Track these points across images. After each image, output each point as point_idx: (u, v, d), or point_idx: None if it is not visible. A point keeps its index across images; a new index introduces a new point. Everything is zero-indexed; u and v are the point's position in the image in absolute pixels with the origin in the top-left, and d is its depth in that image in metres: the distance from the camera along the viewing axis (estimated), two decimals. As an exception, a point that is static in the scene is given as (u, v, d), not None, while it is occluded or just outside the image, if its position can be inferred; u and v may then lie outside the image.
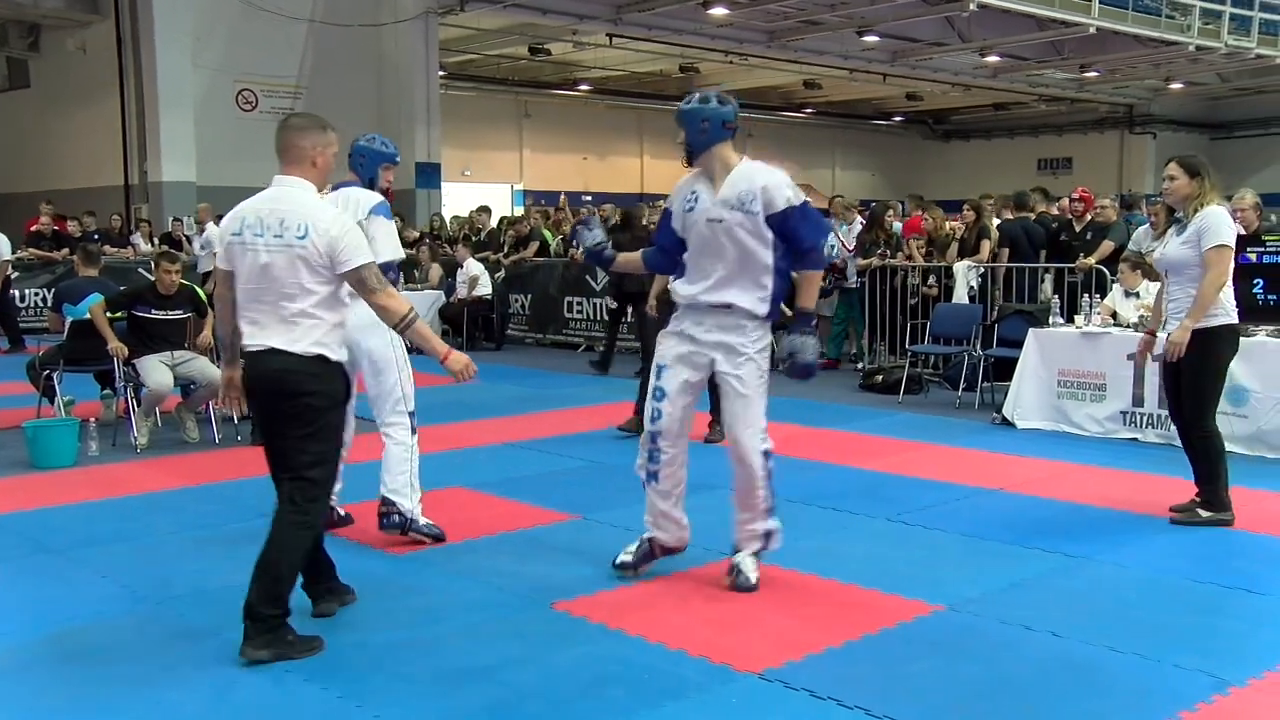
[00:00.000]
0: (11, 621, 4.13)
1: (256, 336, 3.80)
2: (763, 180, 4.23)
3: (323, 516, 4.02)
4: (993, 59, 23.22)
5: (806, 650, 3.76)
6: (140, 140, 17.44)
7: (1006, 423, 7.96)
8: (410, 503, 5.01)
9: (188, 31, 17.07)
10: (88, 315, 7.81)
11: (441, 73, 20.75)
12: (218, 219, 13.04)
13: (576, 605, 4.21)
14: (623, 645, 3.84)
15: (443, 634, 3.96)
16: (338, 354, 3.85)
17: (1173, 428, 5.87)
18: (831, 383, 10.43)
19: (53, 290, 9.46)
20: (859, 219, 11.60)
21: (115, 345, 7.31)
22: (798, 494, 5.92)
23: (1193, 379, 5.35)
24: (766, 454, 4.37)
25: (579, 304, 13.49)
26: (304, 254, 3.73)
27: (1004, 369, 8.58)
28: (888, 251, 10.81)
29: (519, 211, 22.65)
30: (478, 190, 23.74)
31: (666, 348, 4.45)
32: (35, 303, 14.35)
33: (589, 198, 24.86)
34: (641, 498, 4.56)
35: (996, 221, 10.62)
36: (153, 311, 7.42)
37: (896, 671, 3.61)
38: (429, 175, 19.37)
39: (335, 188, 5.05)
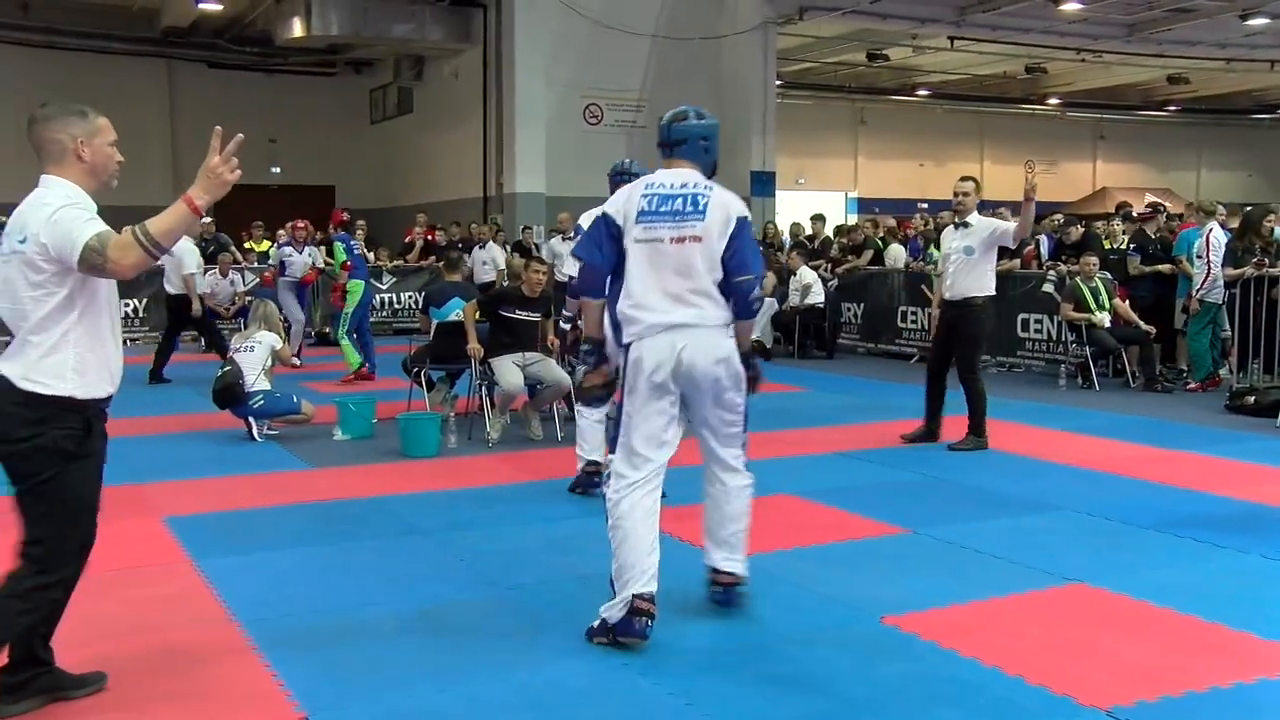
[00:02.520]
0: (386, 593, 4.56)
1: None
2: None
3: None
4: None
5: (1162, 691, 3.46)
6: (499, 154, 18.86)
7: None
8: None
9: (545, 52, 18.27)
10: (451, 318, 8.52)
11: (778, 82, 20.93)
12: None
13: (907, 621, 4.11)
14: (955, 665, 3.71)
15: (772, 639, 3.98)
16: None
17: None
18: (1192, 403, 9.58)
19: (423, 294, 10.42)
20: (1215, 225, 10.54)
21: (474, 346, 7.92)
22: (1150, 520, 5.49)
23: None
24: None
25: (913, 313, 13.17)
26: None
27: None
28: (1265, 260, 9.76)
29: (853, 220, 22.45)
30: (812, 198, 23.75)
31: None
32: (409, 305, 15.86)
33: (925, 205, 24.21)
34: (978, 515, 4.35)
35: None
36: (516, 312, 7.91)
37: (1270, 725, 3.26)
38: (763, 183, 19.60)
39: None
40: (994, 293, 7.56)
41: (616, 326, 4.09)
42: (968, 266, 7.38)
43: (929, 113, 27.84)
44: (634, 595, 3.87)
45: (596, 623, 3.95)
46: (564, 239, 14.34)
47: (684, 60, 19.08)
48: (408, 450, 7.40)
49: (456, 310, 8.63)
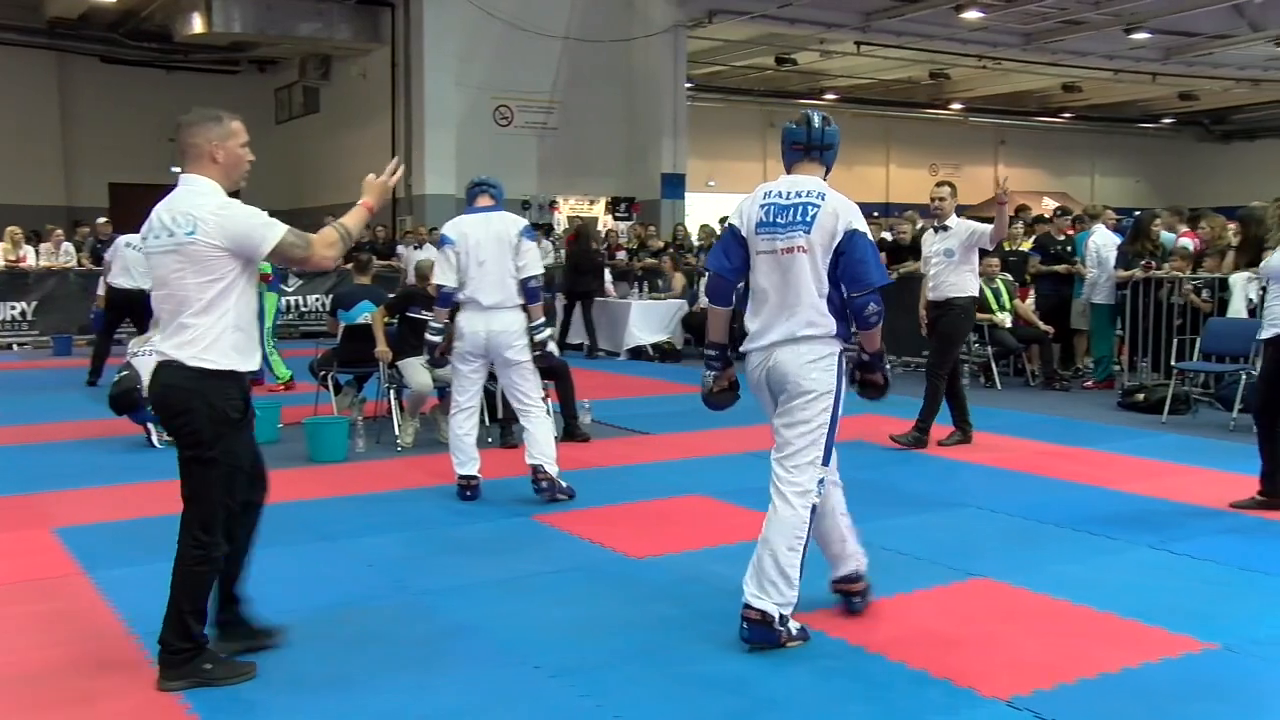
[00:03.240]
0: (291, 601, 4.46)
1: None
2: None
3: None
4: (1289, 49, 21.25)
5: (1058, 679, 3.57)
6: (407, 156, 18.65)
7: (1290, 448, 7.28)
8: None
9: (454, 53, 18.14)
10: (360, 320, 8.40)
11: (688, 84, 21.08)
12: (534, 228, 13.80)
13: (816, 618, 4.16)
14: (864, 662, 3.77)
15: (682, 639, 4.00)
16: None
17: None
18: (1087, 401, 9.88)
19: (330, 296, 10.26)
20: (1102, 227, 10.92)
21: (383, 349, 7.82)
22: (1049, 515, 5.65)
23: None
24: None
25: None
26: None
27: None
28: (1154, 263, 10.13)
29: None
30: (723, 200, 23.94)
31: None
32: (316, 308, 15.61)
33: (833, 207, 24.57)
34: (884, 513, 4.44)
35: None
36: (424, 313, 7.83)
37: (1160, 710, 3.38)
38: (674, 186, 19.74)
39: (470, 210, 6.29)
40: (976, 294, 7.75)
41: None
42: (949, 268, 7.56)
43: (836, 116, 27.30)
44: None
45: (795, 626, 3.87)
46: (413, 248, 14.29)
47: (595, 62, 19.11)
48: (315, 455, 7.27)
49: (365, 313, 8.50)
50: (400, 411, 7.96)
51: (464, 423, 6.20)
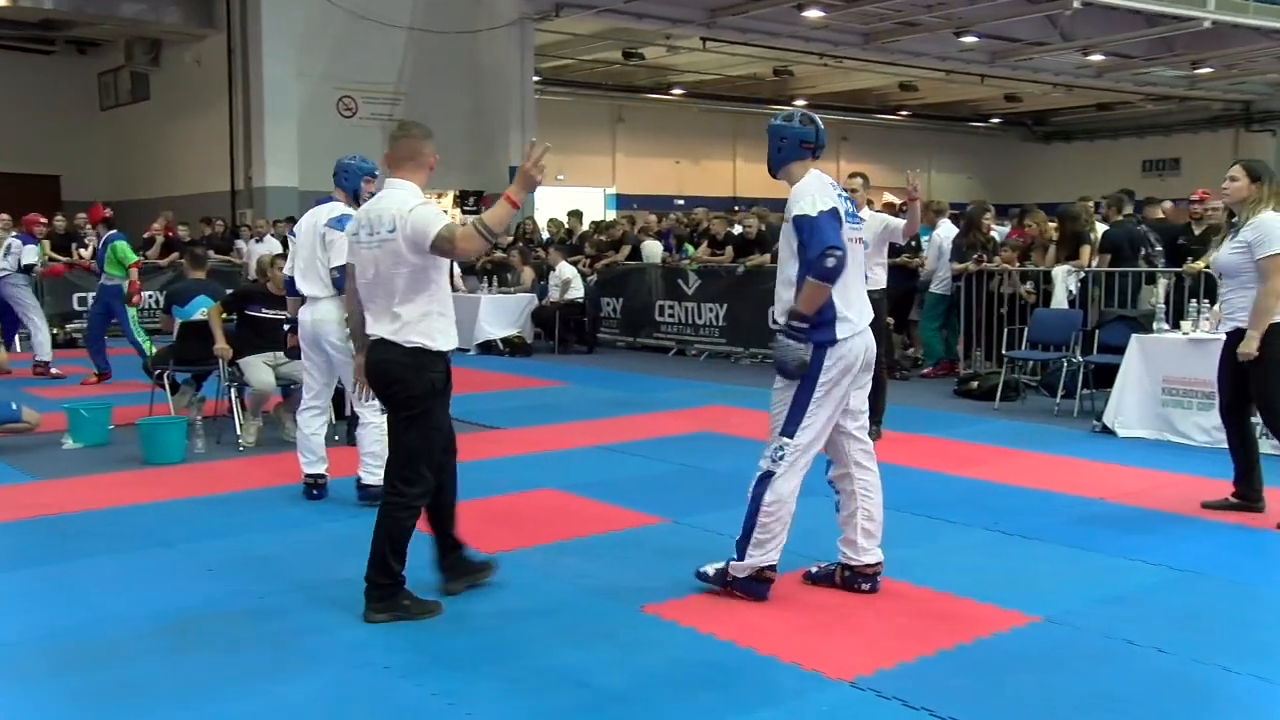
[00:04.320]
0: (127, 610, 4.28)
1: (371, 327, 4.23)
2: (797, 188, 4.24)
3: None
4: (1097, 58, 22.63)
5: (899, 659, 3.71)
6: (247, 148, 18.02)
7: (1107, 431, 7.75)
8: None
9: (294, 42, 17.60)
10: (197, 317, 8.09)
11: (536, 78, 20.99)
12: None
13: (667, 609, 4.22)
14: (713, 650, 3.84)
15: (534, 634, 4.00)
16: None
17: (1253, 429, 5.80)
18: (924, 388, 10.28)
19: (164, 293, 9.84)
20: (946, 221, 11.39)
21: (221, 346, 7.55)
22: (889, 501, 5.83)
23: (1257, 381, 5.41)
24: (761, 473, 4.25)
25: (670, 307, 13.52)
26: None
27: (1105, 376, 8.36)
28: (984, 256, 10.61)
29: (611, 216, 22.78)
30: (571, 194, 23.95)
31: None
32: (150, 305, 14.93)
33: (681, 202, 24.91)
34: (733, 502, 4.52)
35: (1103, 227, 10.35)
36: (263, 310, 7.60)
37: (992, 682, 3.54)
38: (523, 179, 19.57)
39: (317, 203, 6.18)
40: (885, 285, 7.55)
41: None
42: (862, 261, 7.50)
43: (685, 111, 28.61)
44: (764, 566, 4.22)
45: (713, 571, 4.29)
46: (254, 241, 13.89)
47: (441, 54, 18.83)
48: (149, 457, 6.97)
49: (202, 309, 8.21)
50: (242, 410, 7.70)
51: (311, 421, 6.05)
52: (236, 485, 6.40)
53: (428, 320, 4.11)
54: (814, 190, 4.18)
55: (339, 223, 5.81)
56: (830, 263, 4.04)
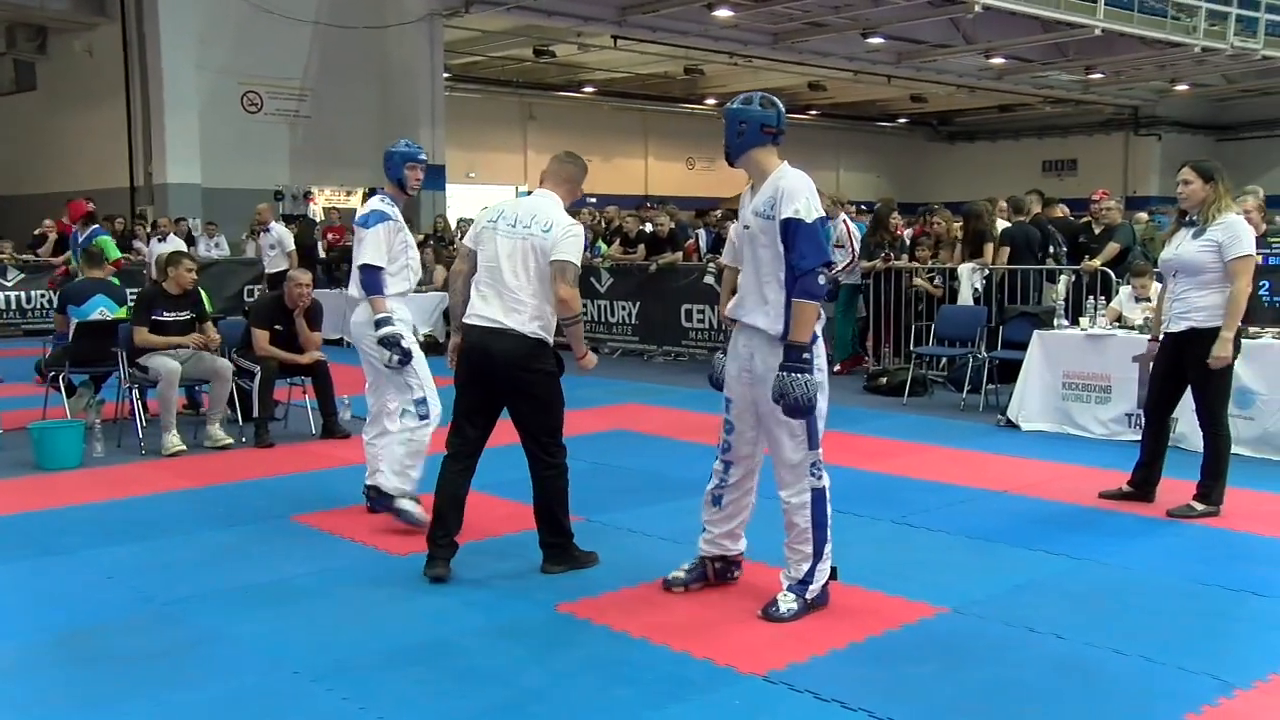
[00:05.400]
0: (19, 622, 4.14)
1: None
2: (784, 185, 3.98)
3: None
4: (998, 61, 23.25)
5: (810, 652, 3.76)
6: (146, 142, 17.50)
7: (1011, 425, 7.96)
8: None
9: (193, 34, 17.15)
10: (94, 316, 7.85)
11: (446, 75, 20.78)
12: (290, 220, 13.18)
13: (581, 607, 4.22)
14: (627, 647, 3.85)
15: (448, 635, 3.97)
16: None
17: (1178, 430, 5.91)
18: (834, 384, 10.40)
19: (58, 292, 9.51)
20: (842, 217, 11.54)
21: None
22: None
23: (1208, 380, 5.43)
24: (814, 492, 4.09)
25: (583, 305, 13.48)
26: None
27: (1009, 371, 8.58)
28: (892, 254, 10.80)
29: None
30: (483, 192, 23.76)
31: (727, 370, 4.29)
32: (41, 304, 14.41)
33: (593, 200, 24.89)
34: (648, 500, 4.56)
35: (1003, 224, 10.61)
36: (164, 314, 7.39)
37: (901, 673, 3.61)
38: (433, 177, 19.35)
39: (372, 193, 5.76)
40: None
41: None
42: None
43: (596, 109, 28.60)
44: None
45: (794, 609, 4.06)
46: (157, 240, 13.50)
47: (348, 49, 18.54)
48: (43, 463, 6.74)
49: (100, 308, 7.97)
50: (144, 412, 7.47)
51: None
52: (138, 490, 6.22)
53: (543, 315, 4.44)
54: (808, 192, 3.94)
55: (365, 220, 5.40)
56: (822, 280, 3.88)
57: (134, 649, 3.84)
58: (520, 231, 4.42)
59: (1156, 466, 5.76)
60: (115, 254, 10.25)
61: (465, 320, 4.51)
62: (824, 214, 4.00)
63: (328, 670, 3.64)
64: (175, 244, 13.59)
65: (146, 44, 17.15)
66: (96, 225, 10.73)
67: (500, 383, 4.46)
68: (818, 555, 4.12)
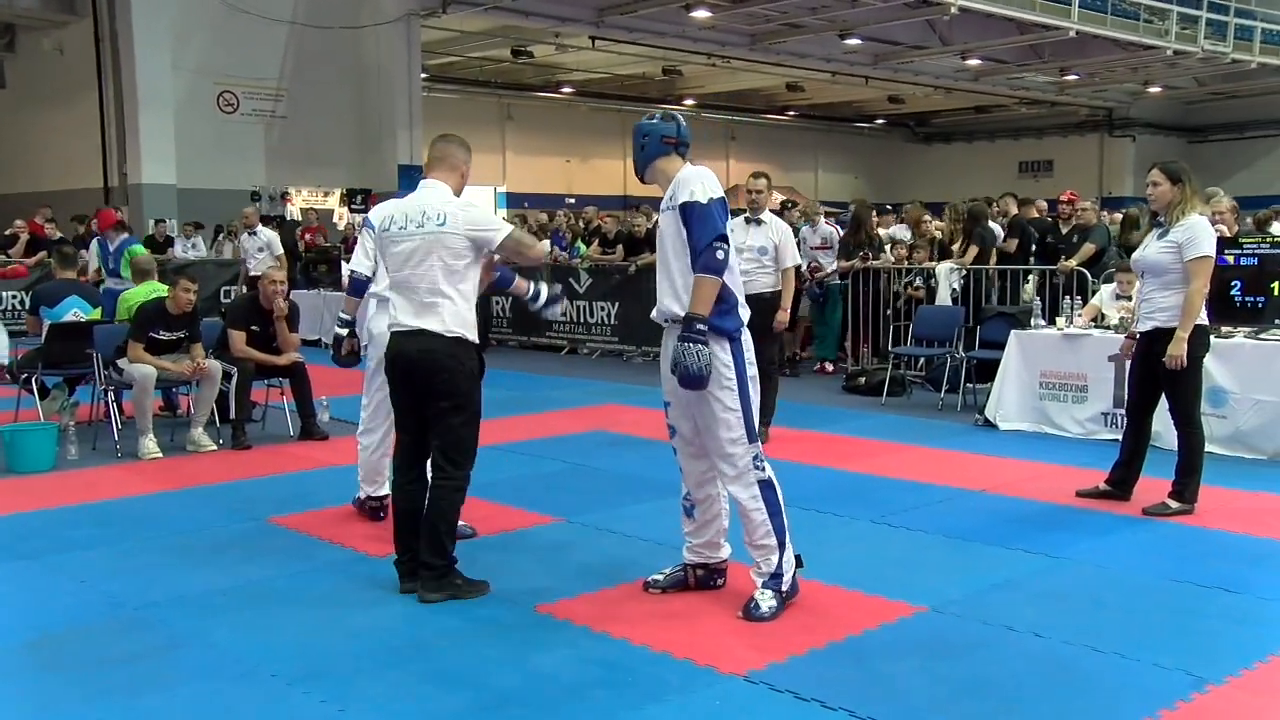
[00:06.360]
0: (-9, 627, 4.10)
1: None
2: (680, 176, 4.12)
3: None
4: (974, 62, 23.37)
5: (790, 652, 3.76)
6: (120, 142, 17.34)
7: (989, 424, 7.99)
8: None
9: (167, 32, 17.01)
10: (68, 318, 7.77)
11: (424, 75, 20.71)
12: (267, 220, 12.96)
13: (560, 608, 4.21)
14: (606, 648, 3.84)
15: (426, 637, 3.95)
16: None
17: (1151, 427, 5.94)
18: (814, 384, 10.46)
19: (30, 293, 9.42)
20: (823, 220, 11.60)
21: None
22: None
23: (1176, 379, 5.46)
24: (761, 484, 4.11)
25: (564, 309, 13.45)
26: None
27: (986, 370, 8.62)
28: (870, 254, 10.84)
29: (502, 214, 22.62)
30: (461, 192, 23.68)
31: (661, 370, 4.30)
32: (13, 306, 14.26)
33: (572, 200, 24.86)
34: (627, 500, 4.55)
35: (1004, 218, 10.75)
36: (161, 333, 7.27)
37: (880, 672, 3.62)
38: (410, 178, 19.24)
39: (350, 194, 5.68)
40: (778, 289, 7.40)
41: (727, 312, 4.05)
42: (761, 266, 7.24)
43: (574, 110, 28.57)
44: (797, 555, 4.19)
45: (771, 606, 4.05)
46: (250, 234, 13.34)
47: (325, 49, 18.45)
48: (14, 465, 6.67)
49: (74, 310, 7.91)
50: (120, 414, 7.41)
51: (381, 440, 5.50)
52: (113, 493, 6.16)
53: (464, 312, 4.27)
54: (701, 178, 4.07)
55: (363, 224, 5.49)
56: (720, 254, 3.95)
57: (107, 654, 3.80)
58: (415, 233, 4.25)
59: (1135, 466, 5.80)
60: (142, 254, 10.06)
61: (389, 329, 4.41)
62: (720, 196, 4.08)
63: (305, 673, 3.61)
64: (267, 237, 13.21)
65: (119, 42, 16.98)
66: (127, 234, 10.59)
67: (420, 383, 4.28)
68: (781, 545, 4.16)
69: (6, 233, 15.57)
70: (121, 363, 7.23)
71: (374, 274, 5.25)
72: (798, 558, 4.23)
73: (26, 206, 16.46)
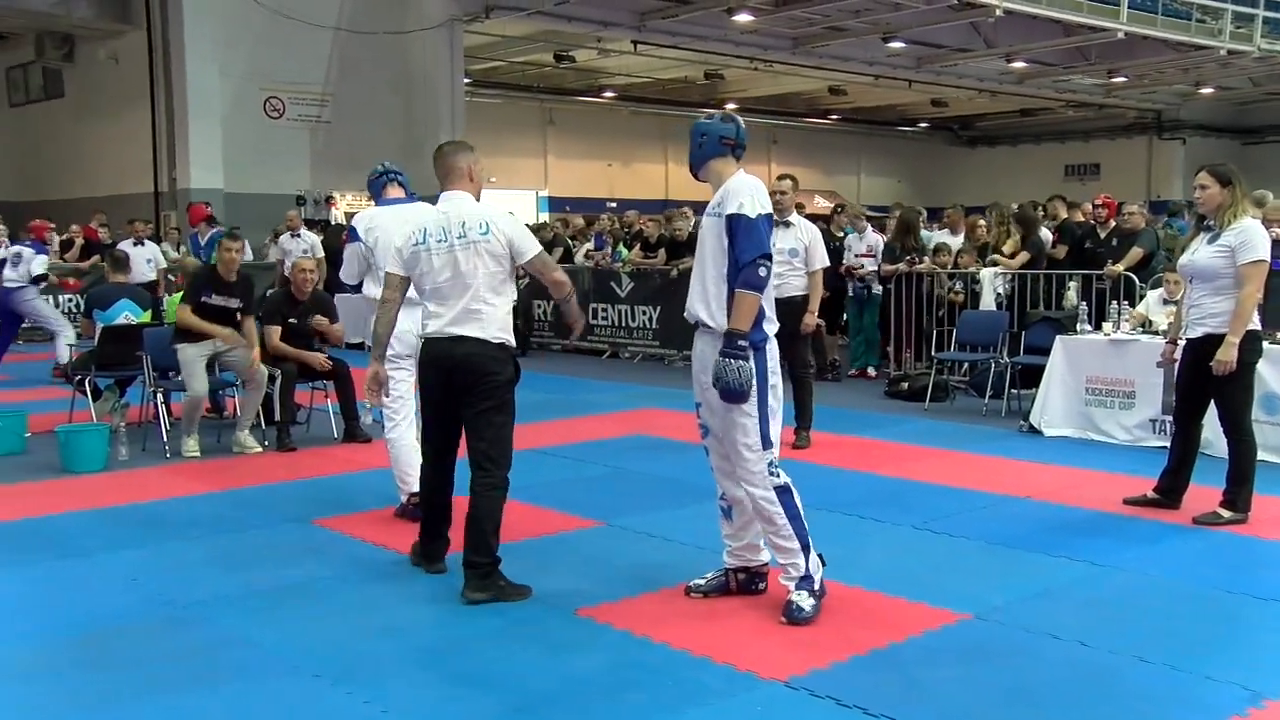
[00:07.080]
0: (39, 624, 4.17)
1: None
2: (731, 185, 4.10)
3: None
4: (1019, 65, 23.09)
5: (831, 658, 3.74)
6: (170, 148, 17.61)
7: (1033, 430, 7.90)
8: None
9: (217, 40, 17.25)
10: (119, 320, 7.90)
11: (466, 80, 20.84)
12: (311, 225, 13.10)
13: (600, 612, 4.21)
14: (646, 652, 3.83)
15: (466, 639, 3.97)
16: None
17: (1203, 436, 5.85)
18: (856, 389, 10.39)
19: (84, 296, 9.58)
20: (869, 227, 11.54)
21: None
22: (821, 500, 5.88)
23: (1225, 385, 5.37)
24: (778, 489, 4.11)
25: (604, 310, 13.50)
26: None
27: (1031, 376, 8.52)
28: (915, 257, 10.76)
29: (544, 218, 22.72)
30: (503, 197, 23.82)
31: (693, 374, 4.33)
32: (69, 309, 14.52)
33: (613, 204, 24.90)
34: (667, 504, 4.54)
35: (1052, 222, 10.66)
36: (213, 297, 7.28)
37: (922, 680, 3.59)
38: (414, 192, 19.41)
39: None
40: (806, 293, 7.36)
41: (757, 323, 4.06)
42: (791, 268, 7.19)
43: (615, 114, 28.63)
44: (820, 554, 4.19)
45: (810, 605, 4.08)
46: (293, 236, 13.49)
47: (369, 55, 18.61)
48: (69, 465, 6.79)
49: (125, 312, 8.04)
50: (169, 416, 7.52)
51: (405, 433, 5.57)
52: (160, 494, 6.25)
53: (504, 318, 4.42)
54: (752, 190, 4.06)
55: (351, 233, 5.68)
56: (763, 272, 3.97)
57: (153, 652, 3.86)
58: (457, 243, 4.36)
59: (1184, 473, 5.70)
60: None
61: (425, 335, 4.46)
62: (768, 211, 4.08)
63: (348, 673, 3.64)
64: (310, 240, 13.38)
65: (171, 51, 17.26)
66: (218, 228, 10.74)
67: (460, 384, 4.35)
68: (805, 548, 4.15)
69: (63, 238, 15.86)
70: (181, 359, 7.22)
71: (362, 284, 5.53)
72: (820, 556, 4.22)
73: (81, 212, 16.78)
